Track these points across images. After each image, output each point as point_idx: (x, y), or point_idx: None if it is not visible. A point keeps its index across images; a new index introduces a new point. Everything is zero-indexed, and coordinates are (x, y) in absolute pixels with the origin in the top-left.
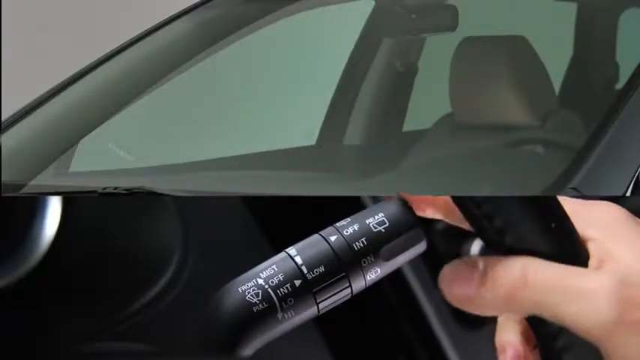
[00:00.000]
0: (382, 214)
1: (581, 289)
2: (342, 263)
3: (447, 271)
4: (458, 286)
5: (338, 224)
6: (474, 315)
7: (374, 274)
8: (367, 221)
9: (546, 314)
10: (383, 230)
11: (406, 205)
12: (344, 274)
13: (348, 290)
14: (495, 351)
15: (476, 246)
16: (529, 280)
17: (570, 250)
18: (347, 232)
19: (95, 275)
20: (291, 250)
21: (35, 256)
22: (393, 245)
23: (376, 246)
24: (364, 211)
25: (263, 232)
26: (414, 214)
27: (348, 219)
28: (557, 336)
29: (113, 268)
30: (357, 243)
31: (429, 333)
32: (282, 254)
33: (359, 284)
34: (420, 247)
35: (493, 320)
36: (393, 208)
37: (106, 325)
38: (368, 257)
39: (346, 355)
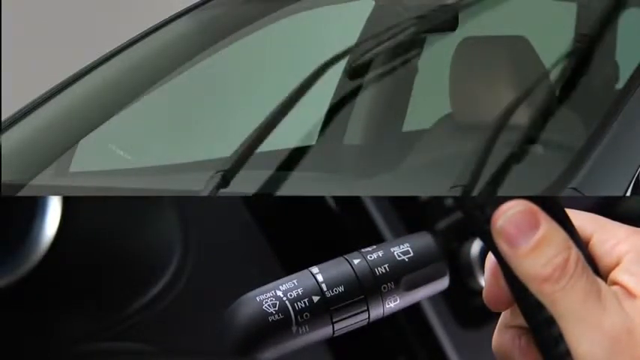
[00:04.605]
0: (408, 245)
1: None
2: (362, 286)
3: (512, 218)
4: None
5: (363, 250)
6: (473, 315)
7: (393, 302)
8: (392, 249)
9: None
10: (406, 260)
11: (433, 239)
12: (363, 296)
13: (365, 315)
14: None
15: (476, 246)
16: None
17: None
18: (371, 257)
19: (95, 275)
20: (314, 269)
21: (35, 256)
22: (415, 275)
23: (398, 274)
24: (391, 241)
25: (263, 232)
26: (439, 248)
27: (374, 246)
28: (552, 324)
29: (113, 268)
30: (379, 268)
31: (429, 333)
32: (305, 271)
33: (377, 311)
34: (442, 282)
35: (493, 320)
36: (420, 240)
37: (106, 325)
38: (388, 284)
39: (346, 355)
